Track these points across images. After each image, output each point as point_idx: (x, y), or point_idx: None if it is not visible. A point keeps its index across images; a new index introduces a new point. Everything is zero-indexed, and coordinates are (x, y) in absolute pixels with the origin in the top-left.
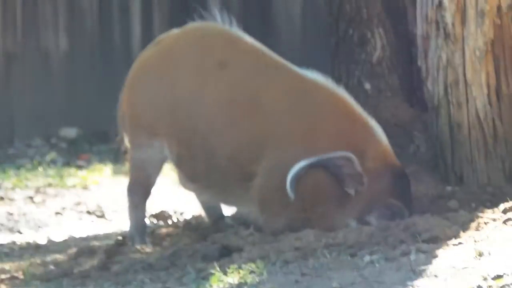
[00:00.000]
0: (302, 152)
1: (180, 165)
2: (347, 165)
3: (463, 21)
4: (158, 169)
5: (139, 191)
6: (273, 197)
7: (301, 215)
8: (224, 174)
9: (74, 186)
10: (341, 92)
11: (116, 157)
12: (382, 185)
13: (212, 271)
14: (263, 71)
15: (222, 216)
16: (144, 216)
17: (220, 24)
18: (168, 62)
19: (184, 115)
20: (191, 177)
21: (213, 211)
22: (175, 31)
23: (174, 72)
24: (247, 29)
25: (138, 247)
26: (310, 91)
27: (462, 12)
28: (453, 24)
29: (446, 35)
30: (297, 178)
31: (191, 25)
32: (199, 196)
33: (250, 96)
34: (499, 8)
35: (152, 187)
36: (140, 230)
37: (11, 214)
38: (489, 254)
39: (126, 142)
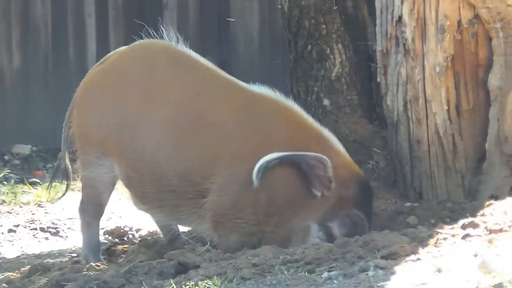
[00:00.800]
0: (254, 164)
1: (129, 187)
2: (320, 167)
3: (423, 37)
4: (109, 188)
5: (91, 209)
6: (226, 213)
7: (256, 228)
8: (176, 193)
9: (27, 203)
10: (291, 104)
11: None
12: (347, 193)
13: None
14: (209, 88)
15: (178, 233)
16: (98, 235)
17: (166, 41)
18: (114, 80)
19: (130, 135)
20: (141, 199)
21: (168, 228)
22: (121, 49)
23: (119, 90)
24: (205, 45)
25: (93, 264)
26: (258, 105)
27: (422, 27)
28: (413, 40)
29: (406, 51)
30: (265, 168)
31: (137, 43)
32: (151, 216)
33: (197, 114)
34: (459, 23)
35: (104, 205)
36: (93, 249)
37: None
38: (448, 270)
39: (67, 161)
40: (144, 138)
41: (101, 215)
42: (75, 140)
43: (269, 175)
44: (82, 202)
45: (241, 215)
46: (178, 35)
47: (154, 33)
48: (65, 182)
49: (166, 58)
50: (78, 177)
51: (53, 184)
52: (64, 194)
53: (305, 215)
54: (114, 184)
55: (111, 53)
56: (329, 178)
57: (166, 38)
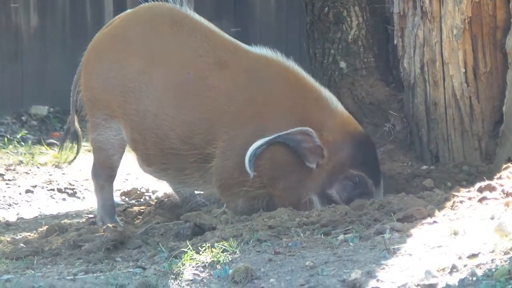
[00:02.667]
0: (257, 130)
1: (135, 149)
2: (306, 140)
3: None
4: (119, 150)
5: (103, 173)
6: (231, 177)
7: (261, 191)
8: (179, 156)
9: (45, 164)
10: (292, 66)
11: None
12: (342, 156)
13: (185, 249)
14: (212, 50)
15: (193, 195)
16: (112, 197)
17: (170, 4)
18: (118, 44)
19: (133, 97)
20: (146, 161)
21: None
22: (126, 12)
23: (123, 53)
24: (221, 9)
25: (110, 225)
26: (260, 68)
27: None
28: (430, 2)
29: (423, 13)
30: (255, 156)
31: (141, 6)
32: (158, 179)
33: (198, 76)
34: None
35: (116, 168)
36: (109, 211)
37: None
38: (464, 233)
39: (77, 124)
40: (147, 100)
41: (114, 178)
42: (83, 104)
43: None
44: (94, 166)
45: (245, 178)
46: None
47: None
48: (76, 145)
49: (169, 21)
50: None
51: (65, 146)
52: (75, 158)
53: (307, 188)
54: (123, 147)
55: (117, 16)
56: (319, 147)
57: (170, 0)
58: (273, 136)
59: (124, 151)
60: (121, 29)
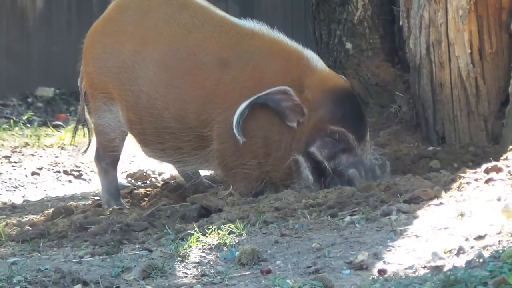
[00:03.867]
0: None
1: (131, 130)
2: (285, 98)
3: None
4: (120, 133)
5: (106, 156)
6: (230, 160)
7: (259, 171)
8: (174, 136)
9: (51, 146)
10: (275, 34)
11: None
12: (322, 113)
13: (191, 231)
14: (201, 26)
15: (199, 176)
16: (116, 180)
17: None
18: (111, 26)
19: (127, 78)
20: (143, 142)
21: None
22: None
23: (117, 35)
24: None
25: (116, 207)
26: (245, 40)
27: None
28: None
29: None
30: (242, 119)
31: None
32: (157, 159)
33: (188, 52)
34: None
35: (118, 151)
36: (114, 194)
37: None
38: (471, 214)
39: (87, 113)
40: (140, 80)
41: (117, 161)
42: (86, 90)
43: (253, 117)
44: (97, 150)
45: (242, 160)
46: None
47: None
48: (88, 134)
49: (161, 0)
50: None
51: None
52: (87, 148)
53: (292, 149)
54: (125, 130)
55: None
56: (298, 105)
57: None
58: (253, 97)
59: (125, 135)
60: (114, 12)
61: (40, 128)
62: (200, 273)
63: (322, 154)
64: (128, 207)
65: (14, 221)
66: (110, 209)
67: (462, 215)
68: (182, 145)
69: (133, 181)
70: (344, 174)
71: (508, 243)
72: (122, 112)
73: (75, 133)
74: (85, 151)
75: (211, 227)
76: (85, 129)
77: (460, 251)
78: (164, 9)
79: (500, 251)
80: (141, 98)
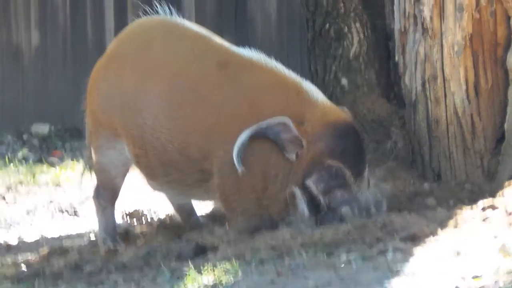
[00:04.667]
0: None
1: (138, 164)
2: (284, 130)
3: (442, 16)
4: (122, 171)
5: (105, 194)
6: (230, 194)
7: (258, 206)
8: (179, 168)
9: (46, 184)
10: (275, 65)
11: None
12: (320, 146)
13: (187, 270)
14: (201, 57)
15: (195, 215)
16: (114, 219)
17: (162, 15)
18: (113, 63)
19: (132, 112)
20: (150, 175)
21: (185, 209)
22: (120, 33)
23: (119, 71)
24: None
25: (111, 246)
26: (244, 72)
27: (440, 6)
28: (431, 19)
29: (424, 30)
30: (241, 151)
31: (134, 22)
32: (164, 193)
33: (190, 84)
34: (478, 2)
35: (118, 190)
36: (110, 232)
37: None
38: (467, 253)
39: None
40: (144, 113)
41: (116, 199)
42: (88, 129)
43: (250, 151)
44: (96, 188)
45: (241, 196)
46: (172, 8)
47: (150, 9)
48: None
49: (160, 32)
50: None
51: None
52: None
53: (289, 182)
54: (127, 168)
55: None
56: (297, 138)
57: (161, 12)
58: (253, 127)
59: (127, 172)
60: (115, 49)
61: (35, 165)
62: None
63: (318, 188)
64: (124, 247)
65: (9, 261)
66: (106, 248)
67: (458, 253)
68: (186, 178)
69: (128, 220)
70: (338, 210)
71: (504, 284)
72: (129, 148)
73: (83, 176)
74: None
75: (207, 265)
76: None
77: None
78: (165, 40)
79: None
80: (145, 132)
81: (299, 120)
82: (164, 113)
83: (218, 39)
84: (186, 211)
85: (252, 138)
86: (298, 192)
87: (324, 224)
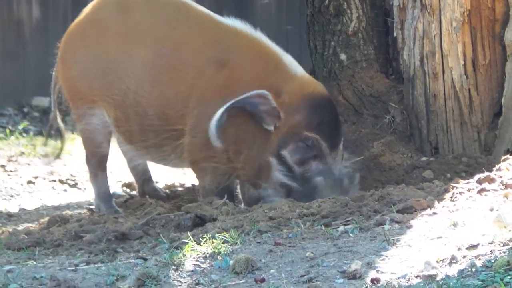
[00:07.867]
0: (222, 104)
1: (118, 128)
2: (263, 102)
3: None
4: (106, 137)
5: (94, 161)
6: (199, 153)
7: (228, 167)
8: (156, 133)
9: (46, 155)
10: (258, 35)
11: None
12: (298, 118)
13: (186, 240)
14: (184, 22)
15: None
16: (106, 183)
17: None
18: (92, 28)
19: (115, 78)
20: (128, 139)
21: (141, 175)
22: None
23: (100, 37)
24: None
25: (111, 216)
26: (227, 39)
27: None
28: None
29: (423, 6)
30: (219, 126)
31: None
32: (139, 157)
33: (173, 49)
34: None
35: (106, 155)
36: (104, 197)
37: None
38: (464, 224)
39: (59, 120)
40: (127, 78)
41: (105, 164)
42: (65, 96)
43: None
44: (86, 155)
45: (212, 154)
46: None
47: None
48: (60, 141)
49: None
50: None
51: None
52: (59, 154)
53: (265, 150)
54: (110, 133)
55: (88, 5)
56: (275, 109)
57: None
58: (231, 102)
59: (110, 138)
60: (94, 15)
61: (36, 137)
62: (194, 282)
63: (293, 158)
64: (121, 212)
65: (10, 230)
66: (105, 217)
67: (455, 225)
68: (163, 143)
69: (128, 190)
70: (311, 180)
71: (500, 253)
72: (109, 112)
73: (47, 140)
74: (57, 157)
75: (205, 236)
76: (57, 138)
77: (453, 260)
78: (147, 6)
79: (492, 261)
80: (128, 96)
81: (276, 91)
82: (147, 78)
83: (201, 7)
84: (143, 177)
85: (230, 109)
86: (273, 162)
87: (296, 197)
